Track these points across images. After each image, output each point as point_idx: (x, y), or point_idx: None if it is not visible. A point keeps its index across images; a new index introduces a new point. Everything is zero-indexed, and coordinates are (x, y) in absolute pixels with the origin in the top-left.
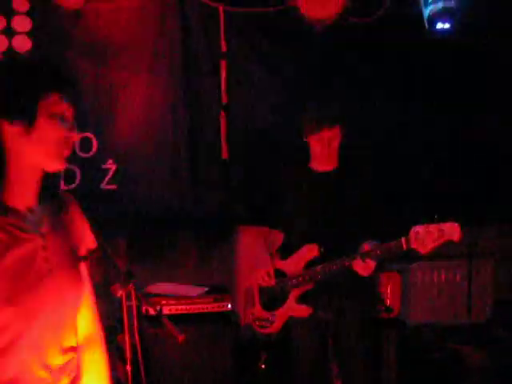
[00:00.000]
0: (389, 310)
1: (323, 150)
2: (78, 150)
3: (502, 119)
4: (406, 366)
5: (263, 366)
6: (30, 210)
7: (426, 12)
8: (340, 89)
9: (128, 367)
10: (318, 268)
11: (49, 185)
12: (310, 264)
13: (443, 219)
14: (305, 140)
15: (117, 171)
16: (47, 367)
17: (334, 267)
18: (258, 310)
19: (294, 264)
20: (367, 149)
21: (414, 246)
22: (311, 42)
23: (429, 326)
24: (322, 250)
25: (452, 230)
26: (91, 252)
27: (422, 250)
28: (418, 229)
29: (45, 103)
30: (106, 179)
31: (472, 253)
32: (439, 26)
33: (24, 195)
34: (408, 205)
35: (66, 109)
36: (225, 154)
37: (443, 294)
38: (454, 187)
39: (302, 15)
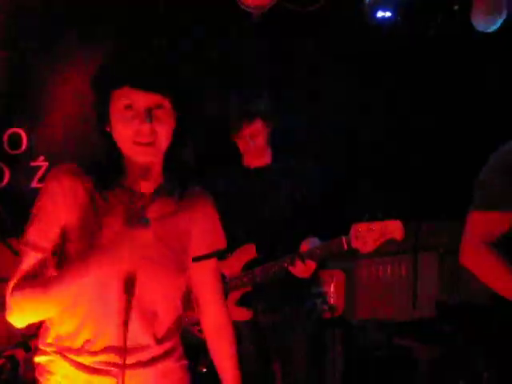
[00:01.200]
0: (332, 308)
1: (248, 147)
2: (6, 147)
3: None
4: (352, 364)
5: (204, 370)
6: (149, 195)
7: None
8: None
9: None
10: (257, 270)
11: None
12: (249, 265)
13: (387, 216)
14: (233, 140)
15: (48, 169)
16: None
17: (274, 269)
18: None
19: (231, 265)
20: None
21: (354, 245)
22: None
23: (374, 324)
24: (261, 250)
25: (394, 228)
26: (217, 252)
27: (364, 249)
28: (359, 227)
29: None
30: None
31: (417, 248)
32: (380, 14)
33: (138, 182)
34: (353, 202)
35: (135, 99)
36: None
37: (388, 290)
38: (398, 182)
39: (238, 1)
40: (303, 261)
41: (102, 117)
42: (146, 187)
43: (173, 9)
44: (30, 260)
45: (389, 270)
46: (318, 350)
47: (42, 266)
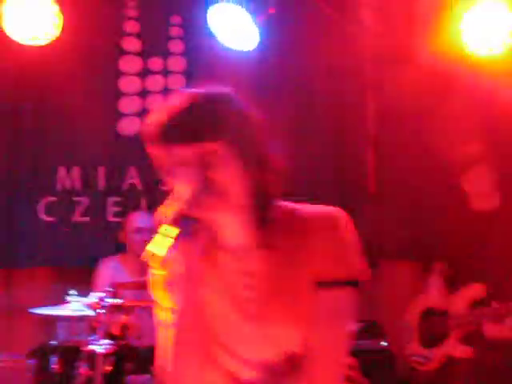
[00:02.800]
0: None
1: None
2: None
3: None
4: None
5: None
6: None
7: None
8: None
9: None
10: (487, 310)
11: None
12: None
13: None
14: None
15: None
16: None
17: (506, 311)
18: (415, 346)
19: (458, 302)
20: None
21: None
22: None
23: None
24: (490, 290)
25: None
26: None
27: None
28: None
29: None
30: None
31: None
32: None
33: None
34: None
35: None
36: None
37: None
38: None
39: None
40: None
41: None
42: None
43: None
44: None
45: None
46: None
47: None
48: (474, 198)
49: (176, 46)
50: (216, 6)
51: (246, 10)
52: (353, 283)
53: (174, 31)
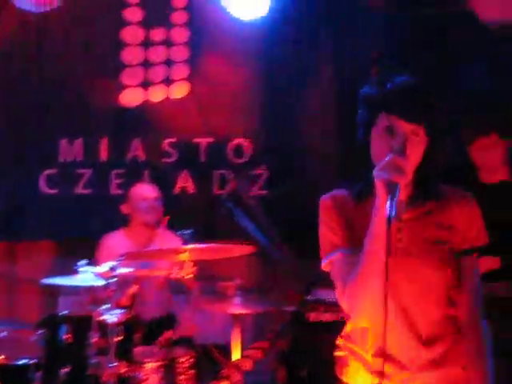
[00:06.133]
0: None
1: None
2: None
3: None
4: None
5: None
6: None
7: None
8: None
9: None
10: (505, 284)
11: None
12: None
13: None
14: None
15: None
16: (417, 336)
17: None
18: None
19: None
20: None
21: None
22: None
23: None
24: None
25: None
26: (477, 248)
27: None
28: None
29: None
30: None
31: None
32: None
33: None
34: None
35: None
36: None
37: None
38: None
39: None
40: None
41: (365, 131)
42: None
43: None
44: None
45: None
46: None
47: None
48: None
49: (179, 17)
50: None
51: None
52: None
53: (178, 1)
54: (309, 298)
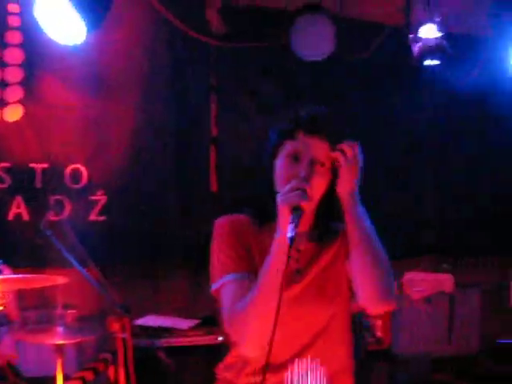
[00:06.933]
0: (379, 341)
1: None
2: (67, 182)
3: None
4: None
5: None
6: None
7: (415, 48)
8: None
9: None
10: None
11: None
12: None
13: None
14: None
15: (106, 203)
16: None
17: None
18: None
19: None
20: None
21: (406, 291)
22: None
23: (418, 358)
24: None
25: (446, 282)
26: None
27: (414, 297)
28: (413, 276)
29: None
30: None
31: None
32: (428, 62)
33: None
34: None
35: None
36: (214, 187)
37: (431, 324)
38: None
39: (294, 52)
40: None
41: (270, 158)
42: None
43: None
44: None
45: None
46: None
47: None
48: None
49: (13, 37)
50: None
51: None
52: None
53: (12, 20)
54: (139, 323)
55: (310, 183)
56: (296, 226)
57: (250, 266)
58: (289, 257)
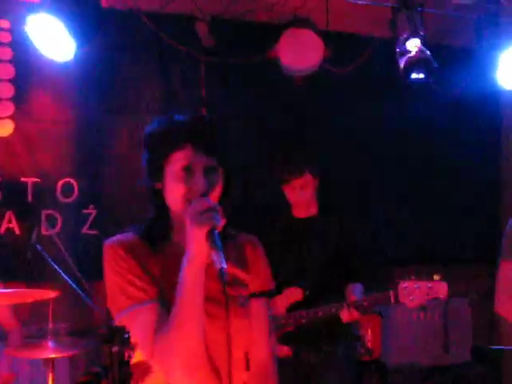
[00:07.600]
0: (369, 352)
1: (296, 198)
2: (59, 196)
3: None
4: None
5: None
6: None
7: (402, 62)
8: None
9: None
10: (303, 313)
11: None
12: (293, 307)
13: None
14: (281, 188)
15: (97, 216)
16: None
17: (320, 313)
18: None
19: (276, 305)
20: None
21: (402, 300)
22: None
23: (409, 367)
24: (306, 293)
25: (440, 289)
26: (265, 292)
27: (410, 305)
28: (407, 284)
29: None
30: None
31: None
32: (414, 76)
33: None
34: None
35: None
36: None
37: (422, 334)
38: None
39: (283, 66)
40: (349, 310)
41: (156, 175)
42: None
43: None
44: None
45: (422, 315)
46: None
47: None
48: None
49: (4, 53)
50: (34, 15)
51: (64, 22)
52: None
53: (2, 36)
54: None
55: (210, 196)
56: (222, 251)
57: (154, 289)
58: (224, 286)
